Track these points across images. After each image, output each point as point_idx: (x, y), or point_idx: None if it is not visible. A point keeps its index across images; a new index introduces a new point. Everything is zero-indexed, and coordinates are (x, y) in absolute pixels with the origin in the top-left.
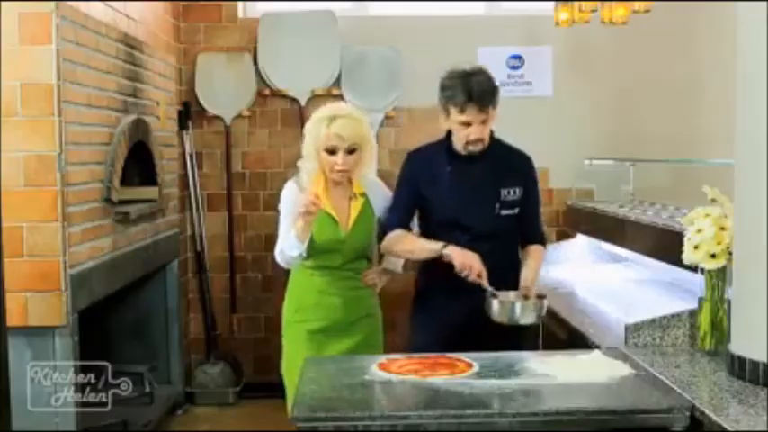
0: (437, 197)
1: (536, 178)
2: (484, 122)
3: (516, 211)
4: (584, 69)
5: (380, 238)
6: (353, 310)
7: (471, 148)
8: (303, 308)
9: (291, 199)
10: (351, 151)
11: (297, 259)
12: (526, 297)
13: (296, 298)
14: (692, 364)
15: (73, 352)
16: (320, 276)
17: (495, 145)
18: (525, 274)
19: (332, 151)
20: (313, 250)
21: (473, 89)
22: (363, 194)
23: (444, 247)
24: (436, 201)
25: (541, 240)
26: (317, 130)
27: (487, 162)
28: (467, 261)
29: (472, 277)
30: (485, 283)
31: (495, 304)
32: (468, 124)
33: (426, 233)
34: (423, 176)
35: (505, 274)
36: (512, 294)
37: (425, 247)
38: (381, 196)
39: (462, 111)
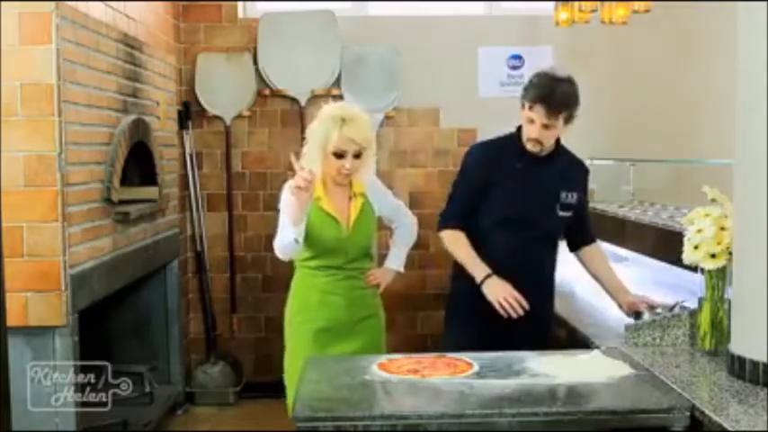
0: (503, 192)
1: (588, 185)
2: (546, 127)
3: (570, 214)
4: (585, 69)
5: (440, 226)
6: (357, 311)
7: (529, 146)
8: (306, 308)
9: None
10: (358, 155)
11: (294, 246)
12: (651, 307)
13: (299, 298)
14: (692, 364)
15: (73, 352)
16: (323, 276)
17: (561, 150)
18: (623, 287)
19: (340, 155)
20: (316, 250)
21: (549, 92)
22: (363, 194)
23: (485, 278)
24: (501, 195)
25: (593, 239)
26: (326, 131)
27: (552, 165)
28: (501, 294)
29: (513, 311)
30: (520, 310)
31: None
32: (531, 121)
33: (484, 227)
34: (492, 169)
35: (541, 273)
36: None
37: (472, 265)
38: (380, 194)
39: (531, 108)
